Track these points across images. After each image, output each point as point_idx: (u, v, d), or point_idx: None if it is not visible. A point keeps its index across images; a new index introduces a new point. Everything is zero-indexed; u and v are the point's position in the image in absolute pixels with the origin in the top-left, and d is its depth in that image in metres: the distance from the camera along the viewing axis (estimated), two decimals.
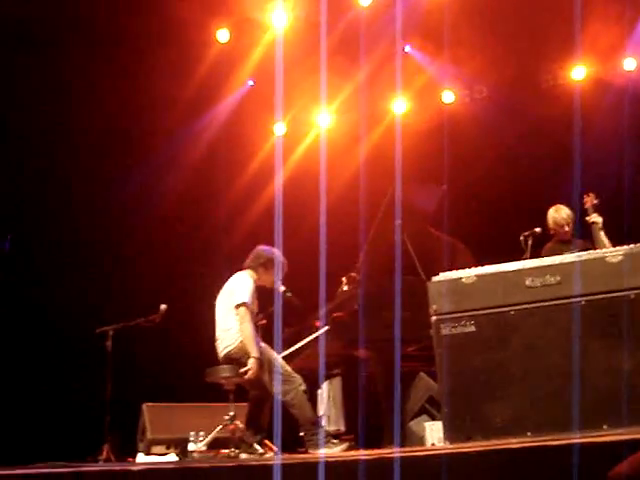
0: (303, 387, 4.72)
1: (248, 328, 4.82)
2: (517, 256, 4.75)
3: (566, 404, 3.52)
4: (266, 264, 5.05)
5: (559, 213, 5.20)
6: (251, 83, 7.88)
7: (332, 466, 2.93)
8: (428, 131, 7.44)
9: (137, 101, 7.03)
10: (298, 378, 4.73)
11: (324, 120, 7.94)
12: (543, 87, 7.45)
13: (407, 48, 7.58)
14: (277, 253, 5.02)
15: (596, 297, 3.62)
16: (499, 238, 5.83)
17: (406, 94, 7.75)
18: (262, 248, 5.13)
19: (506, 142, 7.40)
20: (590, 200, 5.10)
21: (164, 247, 7.39)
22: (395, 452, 3.26)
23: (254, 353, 4.74)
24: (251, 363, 4.72)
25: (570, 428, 3.34)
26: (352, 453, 4.26)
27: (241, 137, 7.70)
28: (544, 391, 3.60)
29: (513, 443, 2.91)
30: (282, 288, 5.05)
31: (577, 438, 2.82)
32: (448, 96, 7.77)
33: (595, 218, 5.02)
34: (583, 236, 5.13)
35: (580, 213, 5.12)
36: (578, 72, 7.34)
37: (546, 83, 7.43)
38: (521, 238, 4.95)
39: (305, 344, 4.84)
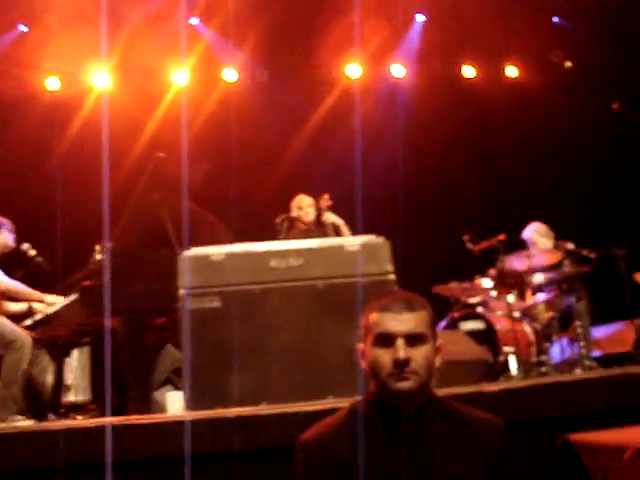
0: (25, 360, 4.55)
1: (9, 284, 4.74)
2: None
3: (299, 377, 3.83)
4: None
5: (298, 199, 5.52)
6: (24, 28, 7.34)
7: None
8: (210, 107, 7.48)
9: None
10: (24, 350, 4.56)
11: (102, 80, 7.57)
12: (320, 80, 7.78)
13: (194, 20, 7.54)
14: None
15: (334, 281, 3.96)
16: (264, 220, 6.06)
17: (188, 66, 7.65)
18: None
19: (282, 129, 7.65)
20: (324, 201, 5.40)
21: None
22: (128, 420, 3.33)
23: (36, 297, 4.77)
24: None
25: (301, 398, 3.63)
26: (92, 420, 4.23)
27: (7, 92, 7.13)
28: (280, 364, 3.86)
29: (229, 412, 3.12)
30: (32, 252, 4.88)
31: (294, 408, 3.09)
32: (230, 74, 7.74)
33: (334, 219, 5.33)
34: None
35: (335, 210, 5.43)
36: (353, 70, 7.78)
37: (322, 77, 7.76)
38: (277, 221, 5.19)
39: (54, 312, 4.70)
